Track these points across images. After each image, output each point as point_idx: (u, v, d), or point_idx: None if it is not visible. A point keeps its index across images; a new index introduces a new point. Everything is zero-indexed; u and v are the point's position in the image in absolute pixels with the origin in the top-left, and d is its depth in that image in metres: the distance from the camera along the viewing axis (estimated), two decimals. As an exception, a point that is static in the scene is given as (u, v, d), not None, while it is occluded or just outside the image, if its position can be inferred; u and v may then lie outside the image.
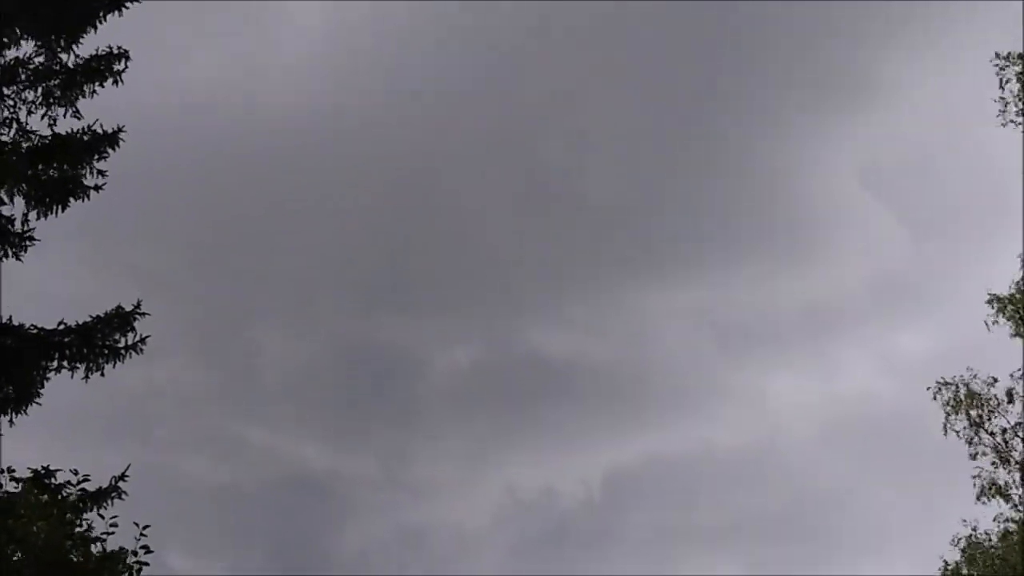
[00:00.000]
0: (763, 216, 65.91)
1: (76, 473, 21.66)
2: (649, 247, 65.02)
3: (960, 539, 31.08)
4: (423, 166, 61.93)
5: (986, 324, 30.19)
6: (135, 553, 20.72)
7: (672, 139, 65.07)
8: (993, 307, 30.01)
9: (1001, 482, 30.05)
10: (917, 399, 32.74)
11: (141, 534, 20.71)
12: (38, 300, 27.55)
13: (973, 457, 30.53)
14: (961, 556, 30.96)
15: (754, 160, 65.17)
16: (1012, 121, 29.57)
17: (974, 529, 30.76)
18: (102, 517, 22.19)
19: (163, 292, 48.52)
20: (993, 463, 30.17)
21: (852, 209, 64.70)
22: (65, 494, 22.37)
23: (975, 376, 31.22)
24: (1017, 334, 29.95)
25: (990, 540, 30.51)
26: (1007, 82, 29.60)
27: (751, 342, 64.74)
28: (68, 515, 21.83)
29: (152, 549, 20.72)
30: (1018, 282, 29.83)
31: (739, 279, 64.43)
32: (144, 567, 20.76)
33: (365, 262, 61.47)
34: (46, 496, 21.85)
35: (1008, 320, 29.96)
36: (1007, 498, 29.87)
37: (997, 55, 29.77)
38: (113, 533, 21.45)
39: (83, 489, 23.42)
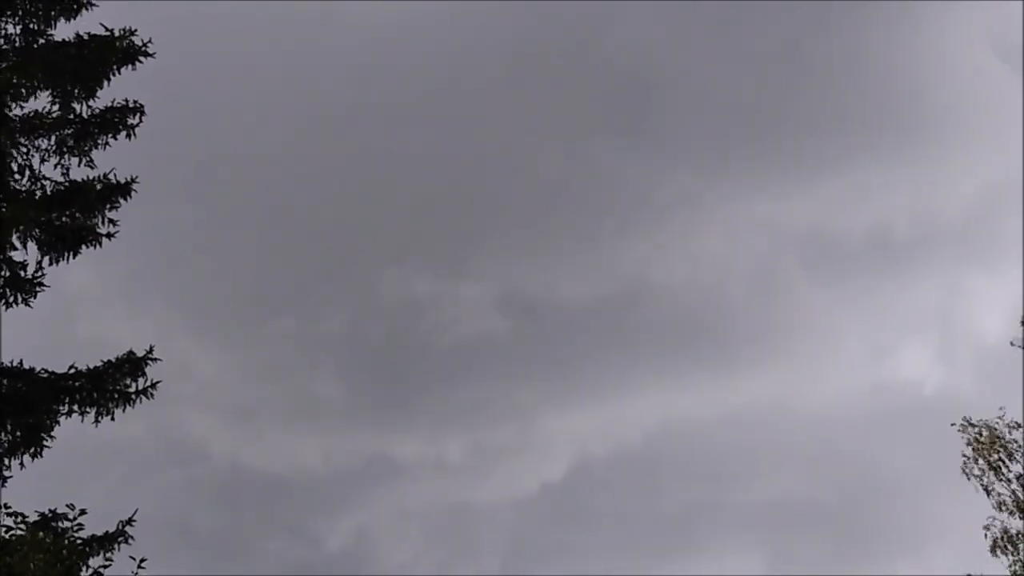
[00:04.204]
0: (872, 100, 60.06)
1: (73, 508, 21.68)
2: (726, 150, 60.20)
3: None
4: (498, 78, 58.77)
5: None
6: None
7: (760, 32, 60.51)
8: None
9: (1013, 531, 29.41)
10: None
11: (139, 566, 20.73)
12: (50, 343, 27.71)
13: (999, 508, 29.86)
14: None
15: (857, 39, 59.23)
16: None
17: None
18: (109, 561, 22.28)
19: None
20: (1010, 512, 29.56)
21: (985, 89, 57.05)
22: (70, 538, 22.43)
23: (1001, 418, 30.34)
24: None
25: None
26: None
27: (832, 262, 59.90)
28: (72, 558, 21.88)
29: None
30: None
31: (837, 187, 58.72)
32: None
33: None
34: (49, 538, 21.90)
35: None
36: (1016, 549, 29.07)
37: None
38: (110, 564, 21.57)
39: (91, 534, 23.64)
